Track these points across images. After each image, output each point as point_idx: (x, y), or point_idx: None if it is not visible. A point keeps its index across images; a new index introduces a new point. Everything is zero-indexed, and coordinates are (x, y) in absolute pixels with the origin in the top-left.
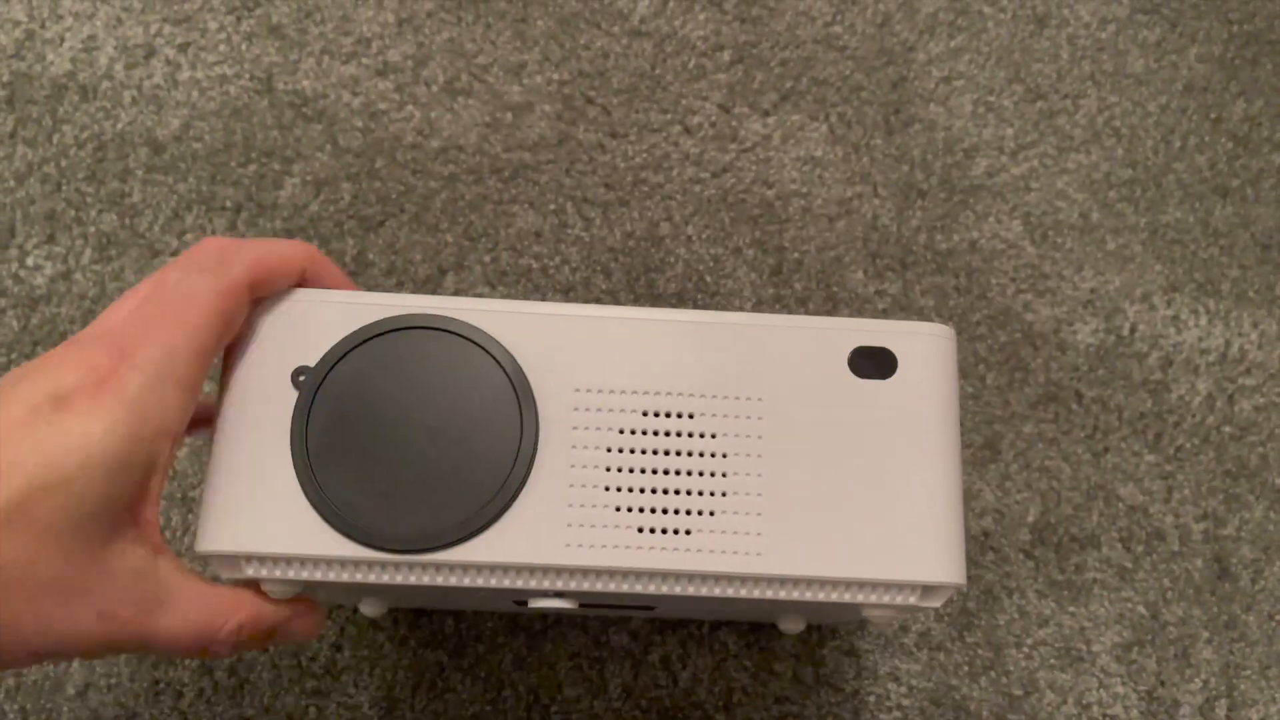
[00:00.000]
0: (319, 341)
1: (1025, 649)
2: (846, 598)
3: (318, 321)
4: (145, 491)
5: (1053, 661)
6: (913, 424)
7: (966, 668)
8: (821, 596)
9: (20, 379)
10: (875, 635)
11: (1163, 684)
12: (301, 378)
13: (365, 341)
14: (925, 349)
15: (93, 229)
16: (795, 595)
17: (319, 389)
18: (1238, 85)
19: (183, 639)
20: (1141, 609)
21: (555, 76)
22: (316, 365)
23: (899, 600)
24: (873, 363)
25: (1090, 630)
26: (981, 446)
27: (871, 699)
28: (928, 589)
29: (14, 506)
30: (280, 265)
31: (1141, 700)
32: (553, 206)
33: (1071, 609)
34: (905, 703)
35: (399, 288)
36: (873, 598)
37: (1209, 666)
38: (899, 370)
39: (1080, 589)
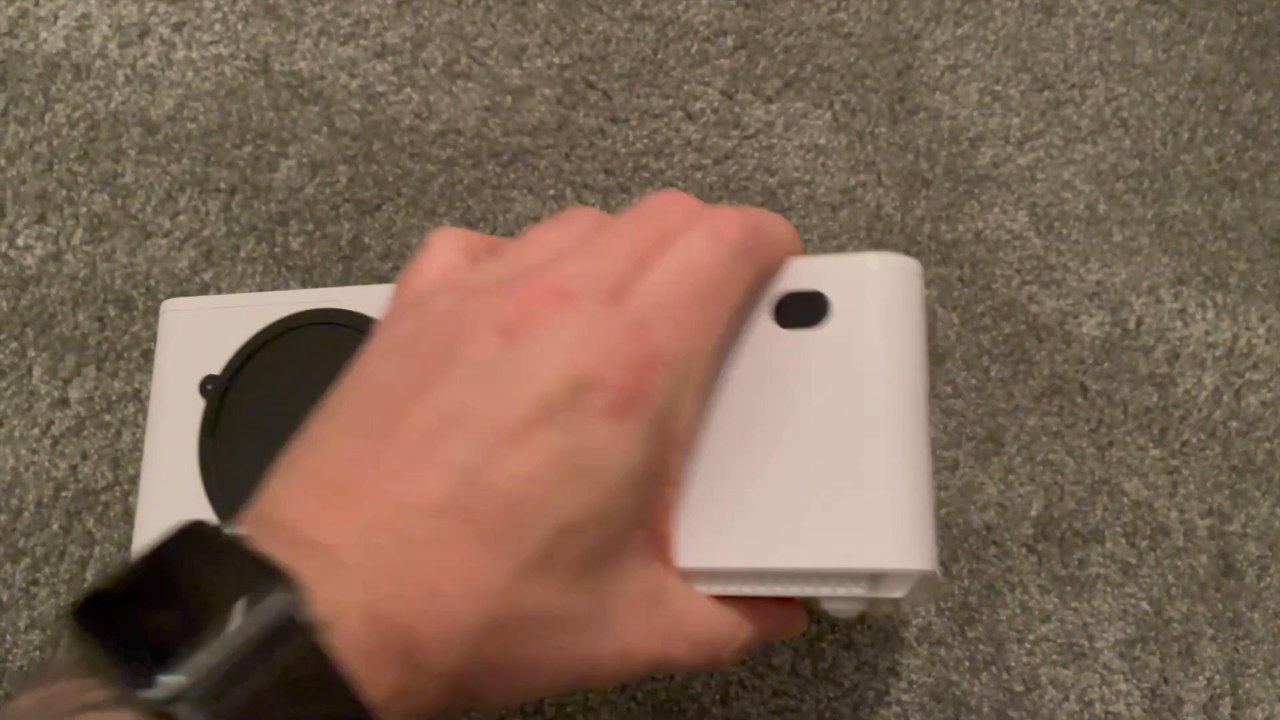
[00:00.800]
0: (228, 348)
1: (1027, 645)
2: (777, 590)
3: (224, 328)
4: (657, 503)
5: (1055, 657)
6: (853, 380)
7: (967, 663)
8: (747, 590)
9: (525, 332)
10: (875, 629)
11: (1166, 681)
12: (209, 387)
13: (267, 344)
14: (867, 287)
15: (84, 209)
16: (716, 589)
17: (224, 397)
18: (1247, 77)
19: (691, 664)
20: (1145, 605)
21: (556, 60)
22: (220, 373)
23: (842, 592)
24: (801, 308)
25: (1093, 626)
26: (984, 439)
27: (871, 694)
28: (877, 577)
29: (543, 554)
30: (781, 259)
31: (1144, 698)
32: (552, 192)
33: (1074, 605)
34: (905, 698)
35: (394, 272)
36: (809, 589)
37: (1213, 664)
38: (832, 315)
39: (1083, 584)
